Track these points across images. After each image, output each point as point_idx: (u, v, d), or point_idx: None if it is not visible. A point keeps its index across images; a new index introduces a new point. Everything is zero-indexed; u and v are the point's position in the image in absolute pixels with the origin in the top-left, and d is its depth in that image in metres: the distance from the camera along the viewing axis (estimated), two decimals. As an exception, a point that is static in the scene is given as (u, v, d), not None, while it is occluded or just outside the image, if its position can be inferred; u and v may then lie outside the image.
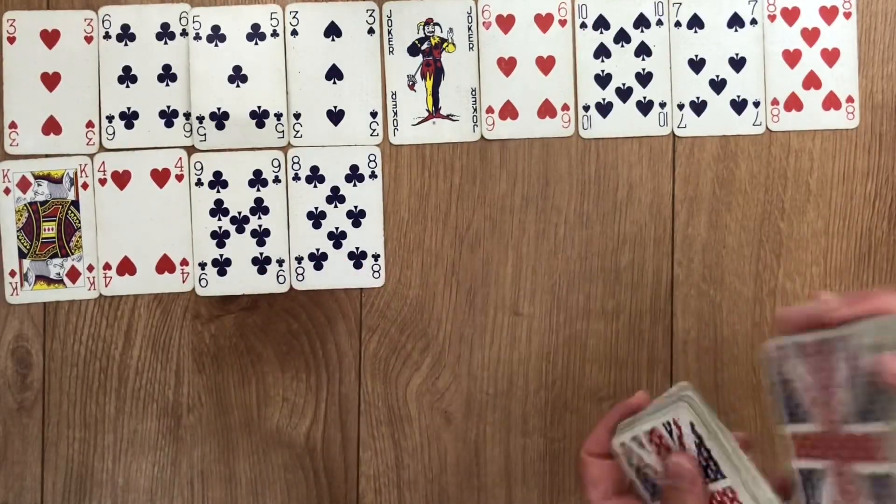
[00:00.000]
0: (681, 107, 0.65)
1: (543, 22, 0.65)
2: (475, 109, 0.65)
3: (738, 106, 0.65)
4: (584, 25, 0.65)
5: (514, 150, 0.65)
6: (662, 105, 0.65)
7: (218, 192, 0.65)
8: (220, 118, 0.64)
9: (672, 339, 0.66)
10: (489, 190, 0.65)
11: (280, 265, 0.65)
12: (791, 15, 0.66)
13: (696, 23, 0.65)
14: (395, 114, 0.65)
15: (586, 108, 0.65)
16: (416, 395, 0.65)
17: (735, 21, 0.66)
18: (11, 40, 0.65)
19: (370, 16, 0.65)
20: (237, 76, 0.64)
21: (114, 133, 0.65)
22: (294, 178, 0.65)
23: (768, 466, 0.67)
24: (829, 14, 0.66)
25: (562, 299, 0.65)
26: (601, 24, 0.65)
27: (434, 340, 0.65)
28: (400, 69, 0.65)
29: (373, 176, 0.65)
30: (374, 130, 0.65)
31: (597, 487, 0.45)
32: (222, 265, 0.65)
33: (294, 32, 0.65)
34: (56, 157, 0.65)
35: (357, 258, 0.65)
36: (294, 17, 0.65)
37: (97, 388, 0.65)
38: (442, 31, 0.65)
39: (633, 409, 0.47)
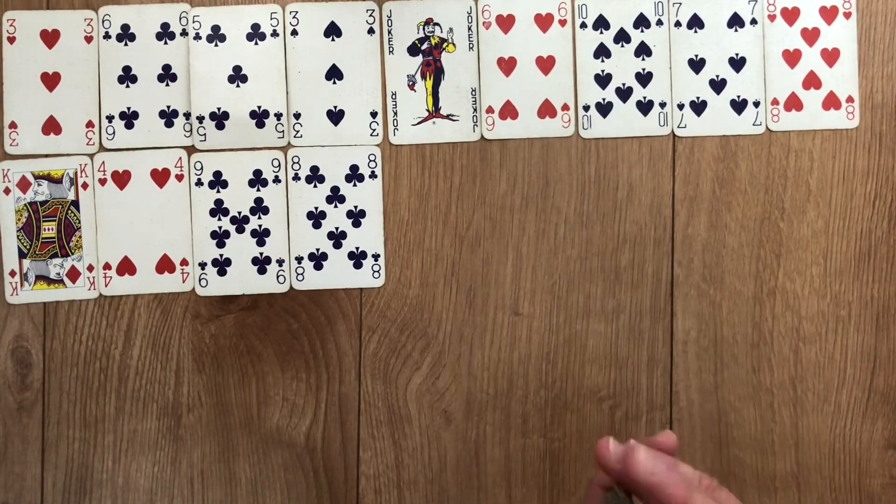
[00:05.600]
0: (681, 107, 0.65)
1: (543, 22, 0.65)
2: (475, 109, 0.65)
3: (738, 106, 0.65)
4: (584, 25, 0.65)
5: (514, 150, 0.65)
6: (662, 105, 0.65)
7: (218, 192, 0.65)
8: (220, 118, 0.64)
9: (672, 339, 0.66)
10: (489, 190, 0.65)
11: (280, 265, 0.65)
12: (791, 15, 0.66)
13: (696, 23, 0.65)
14: (395, 114, 0.65)
15: (586, 108, 0.65)
16: (416, 395, 0.65)
17: (735, 21, 0.66)
18: (11, 40, 0.65)
19: (370, 16, 0.65)
20: (237, 76, 0.65)
21: (114, 133, 0.65)
22: (294, 178, 0.65)
23: (768, 466, 0.67)
24: (829, 14, 0.66)
25: (562, 299, 0.65)
26: (601, 24, 0.65)
27: (434, 340, 0.65)
28: (400, 69, 0.65)
29: (373, 176, 0.65)
30: (374, 130, 0.65)
31: None
32: (222, 265, 0.65)
33: (294, 32, 0.65)
34: (56, 157, 0.65)
35: (357, 258, 0.65)
36: (294, 17, 0.65)
37: (97, 388, 0.65)
38: (442, 31, 0.65)
39: (658, 444, 0.44)
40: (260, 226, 0.65)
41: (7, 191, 0.64)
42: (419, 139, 0.65)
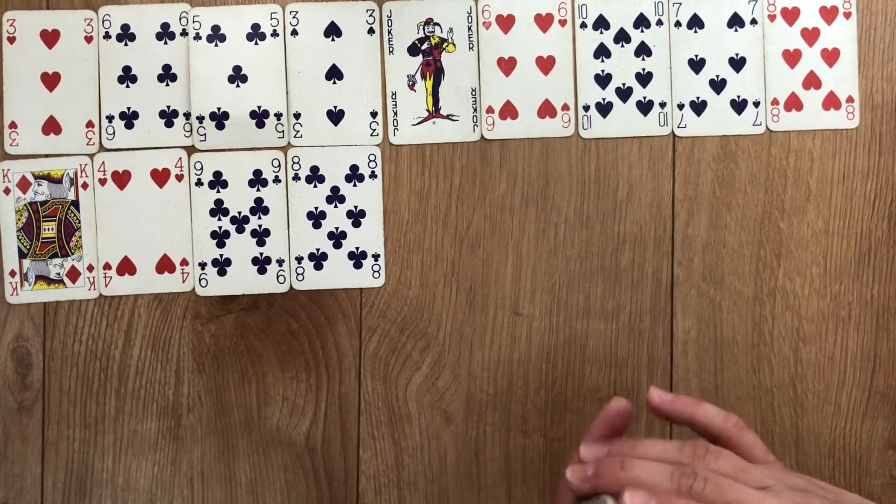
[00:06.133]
0: (681, 107, 0.65)
1: (543, 22, 0.65)
2: (475, 109, 0.65)
3: (738, 106, 0.65)
4: (584, 25, 0.65)
5: (514, 150, 0.65)
6: (662, 105, 0.65)
7: (218, 192, 0.65)
8: (220, 118, 0.64)
9: (672, 339, 0.66)
10: (489, 190, 0.65)
11: (280, 265, 0.65)
12: (791, 15, 0.66)
13: (696, 23, 0.65)
14: (395, 114, 0.65)
15: (586, 108, 0.65)
16: (416, 395, 0.65)
17: (735, 21, 0.66)
18: (11, 40, 0.65)
19: (370, 16, 0.65)
20: (237, 76, 0.65)
21: (114, 133, 0.65)
22: (294, 178, 0.65)
23: (768, 466, 0.67)
24: (829, 14, 0.66)
25: (562, 299, 0.65)
26: (601, 24, 0.65)
27: (434, 340, 0.65)
28: (400, 69, 0.65)
29: (373, 176, 0.65)
30: (374, 130, 0.65)
31: None
32: (222, 265, 0.65)
33: (294, 32, 0.65)
34: (56, 157, 0.65)
35: (357, 258, 0.65)
36: (294, 17, 0.65)
37: (97, 388, 0.65)
38: (442, 31, 0.65)
39: (612, 414, 0.45)
40: (260, 226, 0.65)
41: (7, 191, 0.64)
42: (419, 139, 0.65)
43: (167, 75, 0.65)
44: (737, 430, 0.42)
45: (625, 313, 0.65)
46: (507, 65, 0.65)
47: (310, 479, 0.65)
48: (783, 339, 0.65)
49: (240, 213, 0.65)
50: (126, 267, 0.65)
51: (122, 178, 0.65)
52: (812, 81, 0.65)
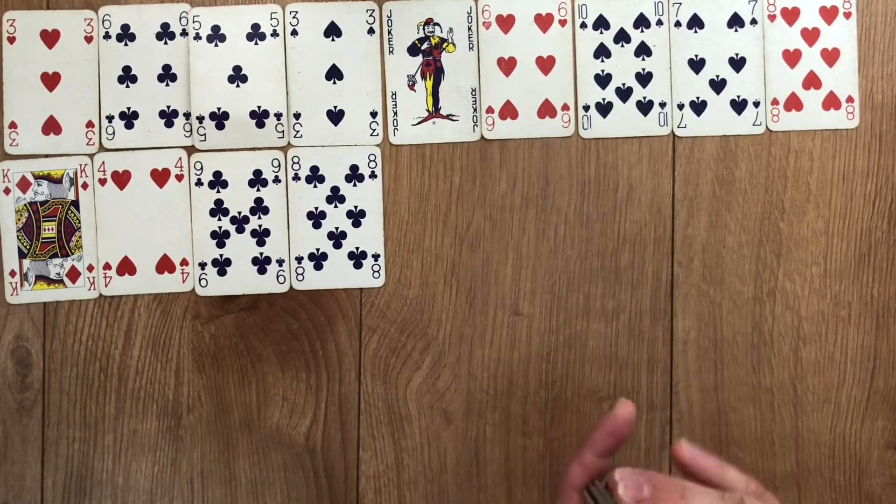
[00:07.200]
0: (681, 107, 0.65)
1: (543, 22, 0.65)
2: (475, 109, 0.65)
3: (738, 106, 0.65)
4: (584, 25, 0.65)
5: (514, 150, 0.65)
6: (662, 105, 0.65)
7: (218, 192, 0.65)
8: (220, 118, 0.64)
9: (672, 339, 0.66)
10: (489, 190, 0.65)
11: (280, 265, 0.65)
12: (791, 15, 0.66)
13: (696, 23, 0.66)
14: (395, 114, 0.65)
15: (586, 108, 0.65)
16: (416, 395, 0.65)
17: (735, 21, 0.66)
18: (11, 40, 0.65)
19: (370, 16, 0.65)
20: (237, 76, 0.65)
21: (114, 133, 0.65)
22: (294, 178, 0.65)
23: (768, 467, 0.67)
24: (829, 14, 0.66)
25: (562, 299, 0.65)
26: (601, 24, 0.65)
27: (434, 340, 0.65)
28: (400, 69, 0.65)
29: (373, 176, 0.65)
30: (374, 130, 0.65)
31: None
32: (222, 265, 0.65)
33: (294, 32, 0.65)
34: (56, 157, 0.65)
35: (357, 258, 0.65)
36: (294, 17, 0.65)
37: (97, 388, 0.65)
38: (442, 31, 0.65)
39: (620, 424, 0.45)
40: (260, 226, 0.65)
41: (7, 191, 0.64)
42: (419, 139, 0.65)
43: (167, 75, 0.65)
44: (757, 495, 0.43)
45: (625, 313, 0.65)
46: (507, 65, 0.65)
47: (310, 479, 0.65)
48: (783, 339, 0.65)
49: (240, 213, 0.65)
50: (126, 267, 0.65)
51: (122, 178, 0.65)
52: (812, 81, 0.66)
